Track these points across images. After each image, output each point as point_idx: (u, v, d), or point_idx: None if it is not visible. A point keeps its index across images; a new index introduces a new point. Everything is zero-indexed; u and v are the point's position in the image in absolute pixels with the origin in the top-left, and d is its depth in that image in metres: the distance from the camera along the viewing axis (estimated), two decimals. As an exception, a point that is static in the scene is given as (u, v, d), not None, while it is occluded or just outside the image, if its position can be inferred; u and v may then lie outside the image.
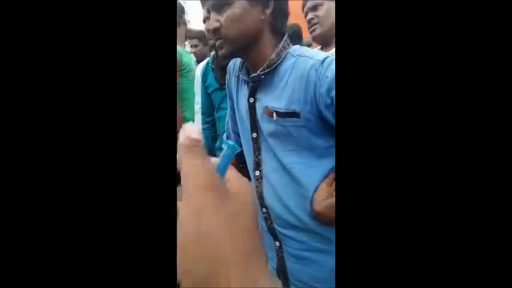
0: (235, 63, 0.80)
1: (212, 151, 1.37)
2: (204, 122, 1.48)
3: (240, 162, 0.81)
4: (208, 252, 0.14)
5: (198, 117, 1.63)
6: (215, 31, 0.67)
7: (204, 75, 1.41)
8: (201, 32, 2.03)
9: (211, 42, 1.32)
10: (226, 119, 0.91)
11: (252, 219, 0.18)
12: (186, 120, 1.65)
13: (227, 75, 0.83)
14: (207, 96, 1.44)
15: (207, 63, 1.44)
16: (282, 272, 0.75)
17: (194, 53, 2.10)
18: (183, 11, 1.72)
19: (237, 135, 0.84)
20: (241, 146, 0.80)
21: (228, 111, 0.88)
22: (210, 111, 1.47)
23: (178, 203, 0.16)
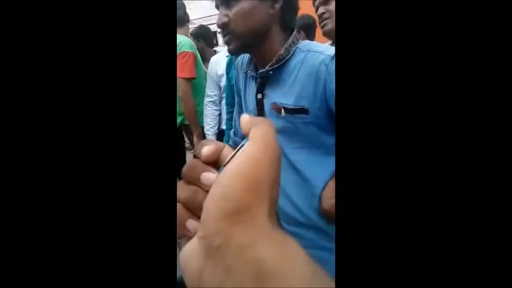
0: (243, 59, 0.79)
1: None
2: (227, 112, 1.48)
3: None
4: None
5: (207, 110, 1.64)
6: (223, 26, 0.66)
7: (228, 66, 1.41)
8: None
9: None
10: (234, 116, 0.91)
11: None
12: (199, 113, 1.68)
13: (235, 71, 0.82)
14: (230, 87, 1.43)
15: (231, 56, 1.44)
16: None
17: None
18: (185, 8, 1.74)
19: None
20: None
21: (236, 107, 0.87)
22: (234, 102, 1.47)
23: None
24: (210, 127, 1.63)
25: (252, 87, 0.74)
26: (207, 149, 0.19)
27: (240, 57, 0.81)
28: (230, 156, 0.18)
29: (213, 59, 1.63)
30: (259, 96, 0.71)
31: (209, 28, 2.09)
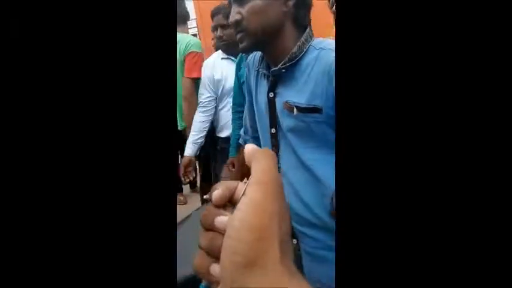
0: (254, 57, 0.79)
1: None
2: (234, 112, 1.39)
3: None
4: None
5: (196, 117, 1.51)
6: (236, 24, 0.66)
7: (238, 65, 1.37)
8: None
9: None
10: (244, 114, 0.91)
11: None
12: None
13: (246, 69, 0.82)
14: (239, 86, 1.35)
15: (241, 54, 1.40)
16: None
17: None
18: (185, 6, 1.74)
19: (255, 130, 0.83)
20: (258, 142, 0.79)
21: (247, 106, 0.87)
22: (242, 101, 1.40)
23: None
24: (194, 135, 1.44)
25: (264, 85, 0.73)
26: (215, 194, 0.21)
27: (251, 55, 0.80)
28: (241, 194, 0.19)
29: (207, 62, 1.51)
30: (271, 95, 0.71)
31: None
